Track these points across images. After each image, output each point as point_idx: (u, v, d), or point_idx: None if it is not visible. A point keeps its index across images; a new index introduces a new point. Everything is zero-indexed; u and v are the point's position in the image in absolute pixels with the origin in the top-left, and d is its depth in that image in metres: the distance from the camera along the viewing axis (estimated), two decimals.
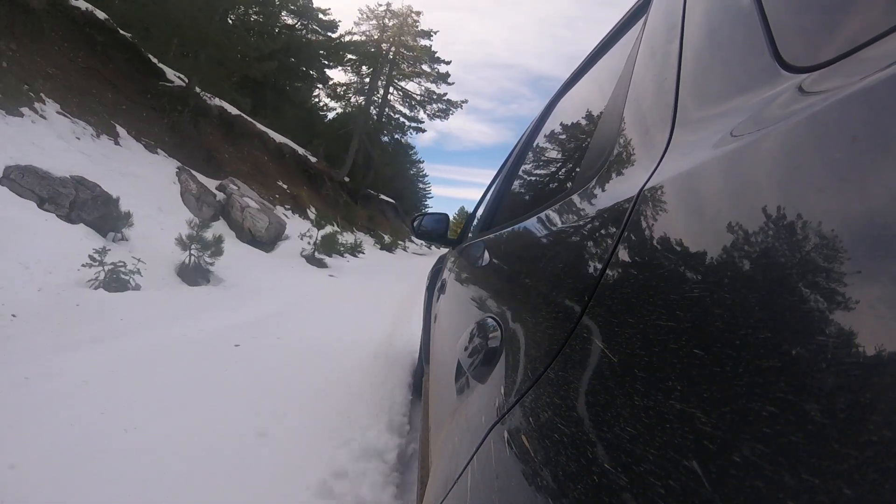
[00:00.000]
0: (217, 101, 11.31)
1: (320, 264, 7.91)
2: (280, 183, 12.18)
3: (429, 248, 22.72)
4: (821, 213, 0.19)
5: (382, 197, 23.91)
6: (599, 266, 0.35)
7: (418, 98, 22.28)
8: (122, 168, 6.08)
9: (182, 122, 9.09)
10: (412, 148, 27.75)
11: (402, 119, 22.77)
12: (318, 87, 21.32)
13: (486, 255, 0.95)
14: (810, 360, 0.17)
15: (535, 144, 1.28)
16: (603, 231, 0.39)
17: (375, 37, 21.12)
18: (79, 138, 5.86)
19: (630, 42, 0.63)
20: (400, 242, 18.09)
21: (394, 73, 21.82)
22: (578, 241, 0.44)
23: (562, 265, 0.45)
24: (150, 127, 8.09)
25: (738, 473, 0.17)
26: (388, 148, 24.12)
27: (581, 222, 0.47)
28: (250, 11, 14.52)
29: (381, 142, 23.16)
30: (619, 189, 0.41)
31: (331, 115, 23.20)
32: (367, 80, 21.56)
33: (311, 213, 12.25)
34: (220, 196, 7.74)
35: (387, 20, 21.45)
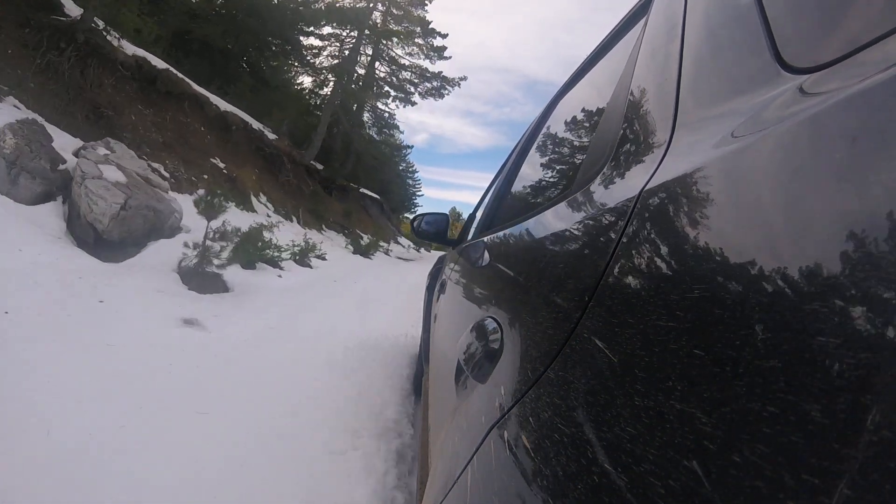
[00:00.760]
0: (140, 52, 8.46)
1: (207, 285, 4.05)
2: (216, 161, 8.95)
3: (418, 250, 20.12)
4: (821, 214, 0.19)
5: (364, 191, 20.25)
6: (600, 266, 0.35)
7: (408, 73, 18.48)
8: None
9: (61, 64, 6.44)
10: (399, 130, 22.57)
11: (386, 88, 18.73)
12: (295, 66, 17.28)
13: (487, 255, 0.95)
14: (810, 360, 0.17)
15: (535, 145, 1.28)
16: (603, 232, 0.39)
17: (361, 4, 17.15)
18: None
19: (630, 43, 0.63)
20: (382, 244, 14.52)
21: (381, 42, 17.85)
22: (579, 242, 0.45)
23: (562, 265, 0.45)
24: (10, 67, 5.80)
25: (738, 473, 0.17)
26: (368, 128, 20.45)
27: (581, 223, 0.47)
28: None
29: (362, 123, 19.74)
30: (620, 190, 0.41)
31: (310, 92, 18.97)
32: (349, 47, 17.50)
33: (262, 202, 9.93)
34: (73, 164, 4.57)
35: None
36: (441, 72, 18.01)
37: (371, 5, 17.02)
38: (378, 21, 17.41)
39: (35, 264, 3.11)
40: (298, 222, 11.23)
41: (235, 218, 5.84)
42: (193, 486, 1.45)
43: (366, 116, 20.71)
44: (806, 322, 0.17)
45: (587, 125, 0.80)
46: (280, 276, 5.58)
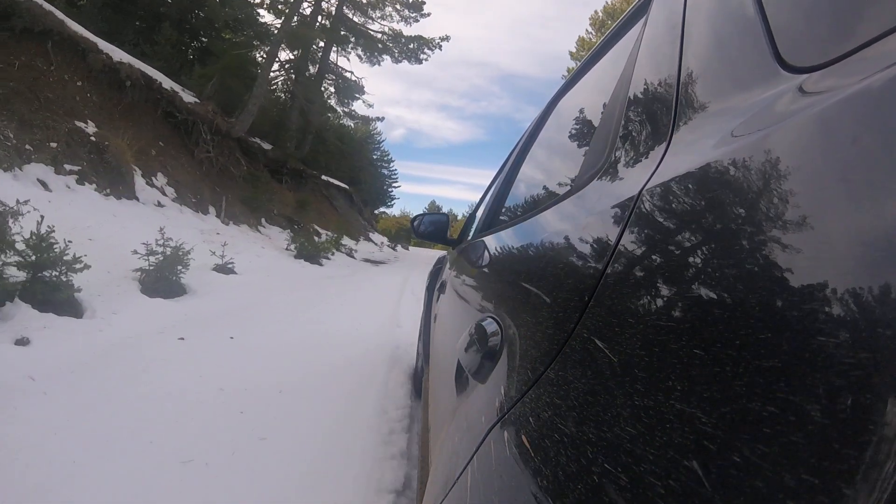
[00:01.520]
0: None
1: None
2: (82, 124, 6.32)
3: (393, 248, 17.40)
4: (821, 213, 0.19)
5: (329, 179, 16.55)
6: (600, 266, 0.35)
7: (378, 27, 14.61)
8: None
9: None
10: (365, 101, 17.04)
11: (344, 32, 14.48)
12: (256, 43, 13.38)
13: (487, 255, 0.95)
14: (810, 360, 0.17)
15: (535, 144, 1.28)
16: (603, 231, 0.39)
17: None
18: None
19: (630, 42, 0.63)
20: (346, 243, 11.44)
21: None
22: (579, 242, 0.44)
23: (562, 265, 0.45)
24: None
25: (738, 473, 0.17)
26: (327, 96, 15.94)
27: (581, 222, 0.47)
28: None
29: (321, 95, 15.28)
30: (620, 189, 0.41)
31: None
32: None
33: (156, 184, 7.09)
34: None
35: None
36: (418, 35, 14.73)
37: None
38: None
39: None
40: (218, 215, 8.34)
41: (79, 208, 4.37)
42: None
43: (325, 91, 15.94)
44: (805, 321, 0.17)
45: (587, 125, 0.80)
46: (103, 322, 2.70)
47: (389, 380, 2.55)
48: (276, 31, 12.44)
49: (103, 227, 4.60)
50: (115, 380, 2.08)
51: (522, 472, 0.31)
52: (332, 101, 17.02)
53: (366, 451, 1.75)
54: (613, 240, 0.35)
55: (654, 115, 0.43)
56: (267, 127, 12.98)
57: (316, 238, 10.11)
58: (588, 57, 0.97)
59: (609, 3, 17.98)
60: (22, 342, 2.24)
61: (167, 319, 3.15)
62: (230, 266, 5.17)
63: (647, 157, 0.40)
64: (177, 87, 9.36)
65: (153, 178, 7.20)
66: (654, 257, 0.29)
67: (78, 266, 2.78)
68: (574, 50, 19.03)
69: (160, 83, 8.63)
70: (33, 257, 2.60)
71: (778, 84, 0.28)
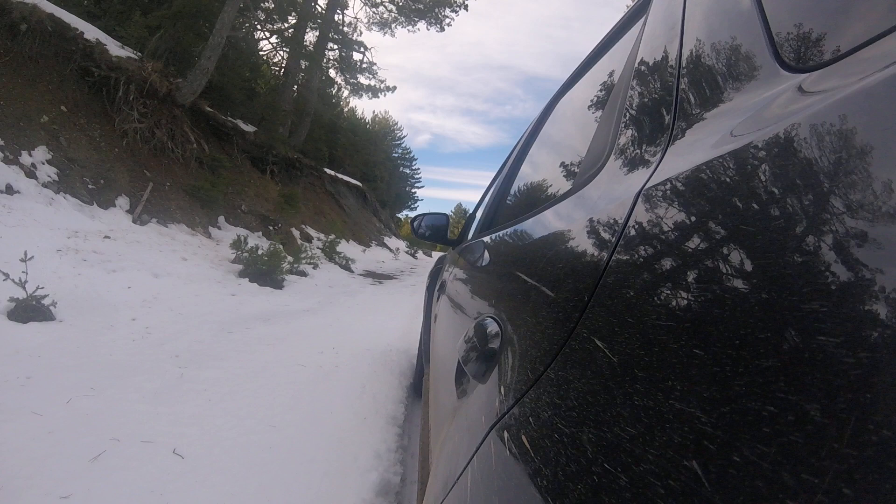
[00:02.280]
0: None
1: None
2: None
3: (413, 255, 15.54)
4: (820, 213, 0.19)
5: (335, 174, 14.15)
6: (599, 266, 0.35)
7: None
8: None
9: None
10: (377, 75, 13.42)
11: None
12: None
13: (486, 255, 0.95)
14: (810, 360, 0.17)
15: (534, 144, 1.28)
16: (603, 231, 0.39)
17: None
18: None
19: (630, 42, 0.63)
20: (343, 251, 9.02)
21: None
22: (578, 241, 0.44)
23: (562, 265, 0.45)
24: None
25: (738, 473, 0.17)
26: (326, 68, 12.53)
27: (581, 222, 0.47)
28: None
29: (321, 70, 12.15)
30: (619, 189, 0.41)
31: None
32: None
33: (30, 160, 4.82)
34: None
35: None
36: None
37: None
38: None
39: None
40: (131, 209, 5.69)
41: None
42: None
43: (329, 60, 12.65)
44: (805, 321, 0.17)
45: (586, 125, 0.80)
46: None
47: None
48: None
49: None
50: None
51: (522, 472, 0.31)
52: (335, 74, 13.76)
53: None
54: (613, 239, 0.35)
55: (654, 114, 0.44)
56: (257, 109, 10.30)
57: (304, 242, 8.18)
58: (588, 57, 0.97)
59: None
60: None
61: None
62: (43, 305, 2.76)
63: (646, 157, 0.40)
64: (107, 40, 6.94)
65: (28, 153, 5.01)
66: (653, 257, 0.29)
67: None
68: None
69: (81, 32, 6.47)
70: None
71: (777, 84, 0.28)
